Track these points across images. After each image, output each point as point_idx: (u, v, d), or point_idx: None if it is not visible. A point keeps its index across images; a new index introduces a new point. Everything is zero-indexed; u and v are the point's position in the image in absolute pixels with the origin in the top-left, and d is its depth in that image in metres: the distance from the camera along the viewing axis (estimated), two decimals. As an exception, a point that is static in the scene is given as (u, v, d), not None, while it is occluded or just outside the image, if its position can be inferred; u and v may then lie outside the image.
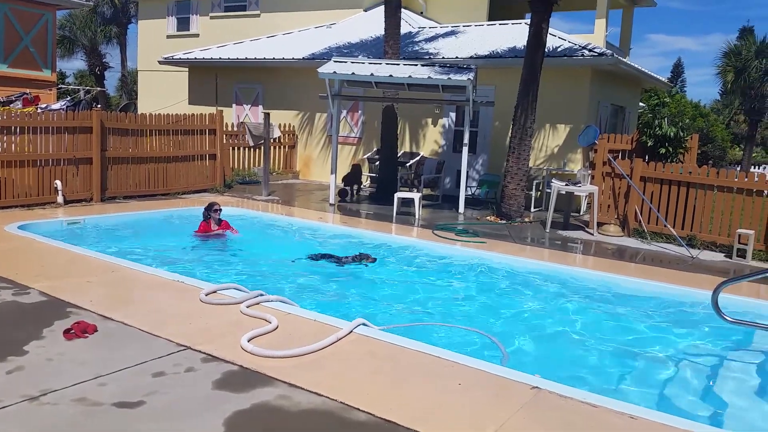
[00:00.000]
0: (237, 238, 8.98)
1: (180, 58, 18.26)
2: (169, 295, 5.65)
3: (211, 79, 17.43)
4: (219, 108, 14.64)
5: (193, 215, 10.30)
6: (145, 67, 22.84)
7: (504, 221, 11.09)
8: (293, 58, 15.99)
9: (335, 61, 12.07)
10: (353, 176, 13.16)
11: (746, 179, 9.20)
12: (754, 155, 40.95)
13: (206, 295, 5.46)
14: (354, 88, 12.94)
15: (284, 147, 16.53)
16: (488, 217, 11.36)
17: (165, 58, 18.57)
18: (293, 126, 16.71)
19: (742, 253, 8.77)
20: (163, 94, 21.02)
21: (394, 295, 6.79)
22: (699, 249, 9.31)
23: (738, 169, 22.19)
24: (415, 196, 11.21)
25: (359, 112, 15.69)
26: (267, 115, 13.01)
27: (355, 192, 13.18)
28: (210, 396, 3.68)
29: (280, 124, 15.91)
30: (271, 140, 14.56)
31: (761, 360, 5.18)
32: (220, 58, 17.30)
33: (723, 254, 9.08)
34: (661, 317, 6.30)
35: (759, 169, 29.21)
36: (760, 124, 38.19)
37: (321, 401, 3.64)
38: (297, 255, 7.99)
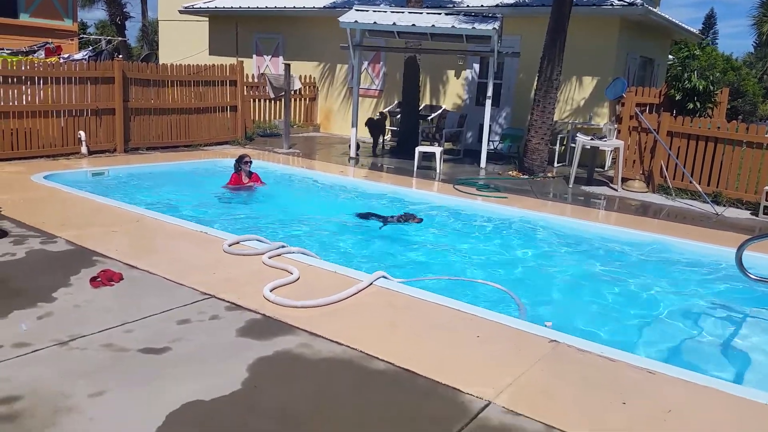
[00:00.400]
0: (264, 190, 9.03)
1: (200, 8, 18.04)
2: (193, 245, 5.74)
3: (232, 29, 17.24)
4: (239, 59, 14.51)
5: (216, 167, 10.39)
6: (166, 17, 22.61)
7: (526, 176, 10.98)
8: (314, 7, 15.71)
9: (357, 10, 11.83)
10: (373, 128, 12.99)
11: (777, 135, 8.95)
12: (786, 110, 39.78)
13: (229, 246, 5.53)
14: (376, 38, 12.71)
15: (305, 99, 16.41)
16: (510, 172, 11.25)
17: (185, 8, 18.36)
18: (314, 78, 16.54)
19: (768, 211, 8.62)
20: (184, 45, 20.84)
21: (415, 248, 6.82)
22: (724, 206, 9.15)
23: (769, 124, 21.57)
24: (437, 150, 11.12)
25: (381, 63, 15.46)
26: (288, 66, 12.88)
27: (375, 145, 13.08)
28: (234, 343, 3.76)
29: (300, 76, 15.73)
30: (292, 92, 14.44)
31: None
32: (240, 7, 17.05)
33: (749, 212, 8.92)
34: (684, 274, 6.25)
35: (791, 124, 28.39)
36: (795, 77, 36.92)
37: (341, 350, 3.70)
38: (336, 212, 7.99)
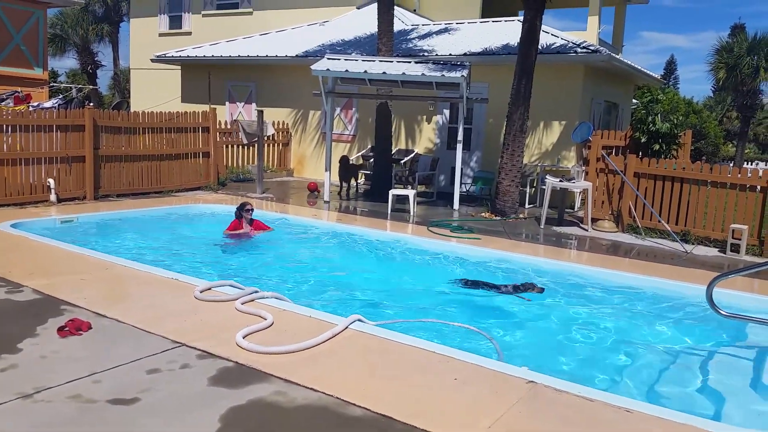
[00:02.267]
0: (265, 236, 8.96)
1: (172, 56, 18.17)
2: (164, 292, 5.63)
3: (204, 77, 17.39)
4: (212, 106, 14.59)
5: (189, 213, 10.32)
6: (138, 66, 22.73)
7: (498, 217, 11.10)
8: (286, 56, 15.94)
9: (328, 59, 12.05)
10: (344, 170, 13.05)
11: (739, 175, 9.24)
12: (746, 151, 41.14)
13: (201, 292, 5.44)
14: (348, 85, 12.91)
15: (278, 145, 16.49)
16: (483, 214, 11.37)
17: (157, 56, 18.48)
18: (287, 124, 16.67)
19: (735, 248, 8.80)
20: (155, 93, 20.93)
21: (389, 291, 6.78)
22: (693, 244, 9.35)
23: (731, 165, 22.29)
24: (410, 192, 11.21)
25: (353, 109, 15.67)
26: (260, 113, 12.98)
27: (348, 188, 13.11)
28: (205, 392, 3.66)
29: (273, 122, 15.86)
30: (265, 138, 14.52)
31: (755, 353, 5.20)
32: (212, 56, 17.23)
33: (717, 249, 9.12)
34: (656, 312, 6.32)
35: (752, 164, 29.36)
36: (752, 120, 38.37)
37: (317, 397, 3.63)
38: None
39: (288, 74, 16.29)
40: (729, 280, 5.96)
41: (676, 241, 9.32)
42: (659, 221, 9.79)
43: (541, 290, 6.51)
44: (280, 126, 16.45)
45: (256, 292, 5.44)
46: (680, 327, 5.94)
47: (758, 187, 9.01)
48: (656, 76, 17.19)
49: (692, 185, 9.57)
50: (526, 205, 12.48)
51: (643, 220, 10.02)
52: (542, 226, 10.37)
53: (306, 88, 14.54)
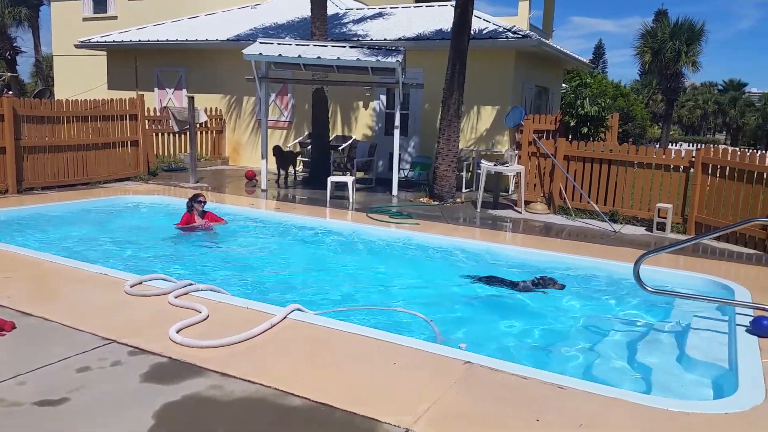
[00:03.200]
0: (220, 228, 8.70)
1: (97, 42, 17.39)
2: (93, 288, 5.42)
3: (131, 63, 16.75)
4: (140, 92, 14.07)
5: (118, 205, 9.96)
6: (61, 52, 21.64)
7: (436, 202, 11.22)
8: (217, 40, 15.53)
9: (261, 43, 11.80)
10: (281, 158, 12.89)
11: (664, 156, 9.65)
12: (671, 133, 43.12)
13: (131, 287, 5.27)
14: (282, 70, 12.71)
15: (211, 132, 16.09)
16: (421, 199, 11.47)
17: (81, 42, 17.64)
18: (220, 110, 16.28)
19: (661, 227, 9.22)
20: (81, 80, 20.01)
21: (330, 278, 6.76)
22: (621, 224, 9.73)
23: (657, 146, 23.29)
24: (349, 179, 11.17)
25: (289, 95, 15.44)
26: (191, 99, 12.61)
27: (287, 176, 12.95)
28: (138, 389, 3.56)
29: (206, 109, 15.45)
30: (197, 125, 14.13)
31: (679, 327, 5.47)
32: (139, 41, 16.59)
33: (644, 228, 9.52)
34: (586, 290, 6.55)
35: (676, 146, 30.76)
36: (676, 103, 40.16)
37: (255, 389, 3.58)
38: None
39: (219, 59, 15.88)
40: (655, 257, 6.22)
41: (605, 221, 9.69)
42: (588, 202, 10.14)
43: (562, 287, 6.22)
44: (213, 113, 16.05)
45: (191, 284, 5.31)
46: (609, 304, 6.18)
47: (681, 168, 9.45)
48: (585, 60, 17.71)
49: (619, 167, 9.94)
50: (463, 190, 12.66)
51: (574, 201, 10.35)
52: (478, 210, 10.56)
53: (239, 73, 14.21)
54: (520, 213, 10.47)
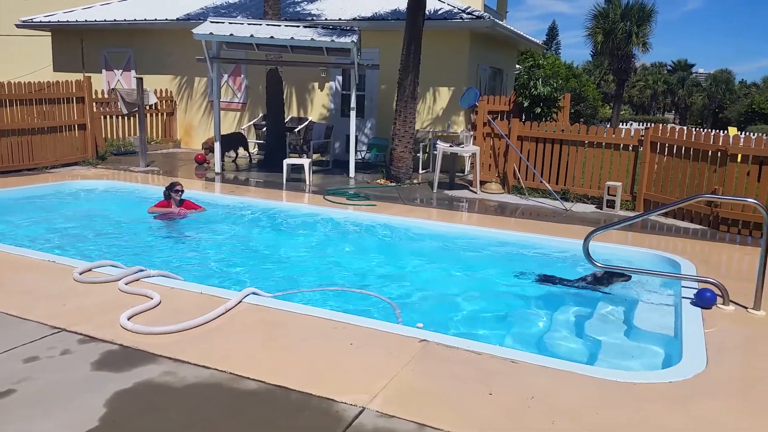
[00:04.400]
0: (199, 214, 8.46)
1: (41, 22, 16.65)
2: (41, 276, 5.25)
3: (77, 44, 16.16)
4: (87, 74, 13.59)
5: (66, 190, 9.66)
6: (2, 32, 20.67)
7: (394, 183, 11.24)
8: (166, 20, 15.09)
9: (212, 22, 11.52)
10: (231, 141, 12.67)
11: (614, 135, 9.87)
12: (622, 113, 44.12)
13: (80, 274, 5.13)
14: (234, 50, 12.45)
15: (162, 114, 15.68)
16: (378, 180, 11.46)
17: (24, 22, 16.87)
18: (171, 92, 15.87)
19: (611, 204, 9.46)
20: (24, 61, 19.20)
21: (287, 261, 6.72)
22: (572, 202, 9.94)
23: (608, 126, 23.78)
24: (305, 161, 11.07)
25: (242, 76, 15.15)
26: (140, 81, 12.24)
27: (236, 158, 12.68)
28: (89, 378, 3.48)
29: (156, 90, 15.05)
30: (147, 107, 13.78)
31: (629, 301, 5.64)
32: (85, 21, 15.97)
33: (594, 205, 9.75)
34: (539, 267, 6.69)
35: (626, 125, 31.48)
36: (627, 83, 41.06)
37: (209, 374, 3.55)
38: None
39: (169, 39, 15.44)
40: (605, 233, 6.38)
41: (557, 200, 9.88)
42: (541, 181, 10.31)
43: (628, 278, 5.88)
44: (164, 94, 15.64)
45: (142, 270, 5.20)
46: (560, 280, 6.32)
47: (630, 146, 9.68)
48: (538, 42, 17.89)
49: (571, 146, 10.13)
50: (420, 171, 12.71)
51: (527, 181, 10.52)
52: (435, 191, 10.63)
53: (189, 53, 13.85)
54: (476, 193, 10.59)
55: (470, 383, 3.57)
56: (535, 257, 7.01)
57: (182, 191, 8.42)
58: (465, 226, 8.15)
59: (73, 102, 11.93)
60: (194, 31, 10.96)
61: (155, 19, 15.18)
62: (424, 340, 4.14)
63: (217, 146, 11.79)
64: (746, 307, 5.13)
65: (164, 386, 3.40)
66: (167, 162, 13.08)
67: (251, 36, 10.85)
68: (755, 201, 5.25)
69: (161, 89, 15.54)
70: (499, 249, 7.28)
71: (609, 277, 5.86)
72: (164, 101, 15.64)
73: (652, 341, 4.78)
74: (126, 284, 4.91)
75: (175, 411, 3.17)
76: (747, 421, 3.31)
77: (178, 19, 14.97)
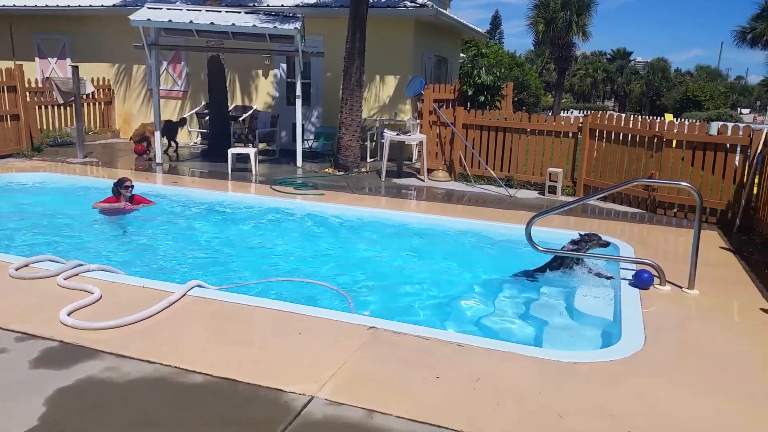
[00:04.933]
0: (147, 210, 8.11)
1: (-37, 5, 15.77)
2: (-30, 273, 5.02)
3: (6, 30, 15.37)
4: (18, 62, 12.98)
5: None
6: None
7: (342, 172, 11.21)
8: (102, 6, 14.54)
9: (149, 8, 11.16)
10: (166, 129, 12.29)
11: (554, 123, 10.11)
12: (563, 101, 45.22)
13: (16, 270, 4.93)
14: (173, 37, 12.10)
15: (99, 104, 15.13)
16: (326, 170, 11.41)
17: (-57, 5, 15.93)
18: (108, 80, 15.32)
19: (552, 190, 9.70)
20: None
21: (234, 253, 6.62)
22: (516, 188, 10.15)
23: (549, 114, 24.31)
24: (251, 151, 10.90)
25: (182, 63, 14.76)
26: (75, 69, 11.78)
27: (168, 147, 12.24)
28: (28, 376, 3.36)
29: (93, 79, 14.51)
30: (84, 96, 13.27)
31: (570, 283, 5.81)
32: (14, 6, 15.19)
33: (537, 192, 9.98)
34: (485, 252, 6.82)
35: (567, 113, 32.27)
36: (567, 72, 42.04)
37: (153, 368, 3.48)
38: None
39: (106, 25, 14.88)
40: (547, 218, 6.54)
41: (502, 187, 10.07)
42: (486, 169, 10.49)
43: (606, 244, 6.02)
44: (101, 83, 15.09)
45: (81, 265, 5.03)
46: (505, 265, 6.46)
47: (570, 134, 9.94)
48: (482, 31, 18.10)
49: (514, 134, 10.33)
50: (368, 159, 12.71)
51: (473, 168, 10.67)
52: (383, 179, 10.66)
53: (127, 40, 13.36)
54: (423, 181, 10.67)
55: (418, 368, 3.62)
56: (480, 243, 7.13)
57: (131, 187, 8.06)
58: (413, 214, 8.21)
59: (4, 91, 11.38)
60: (131, 17, 10.60)
61: (90, 6, 14.60)
62: (373, 327, 4.17)
63: (157, 135, 11.47)
64: (681, 287, 5.37)
65: (107, 382, 3.32)
66: (106, 153, 12.66)
67: (190, 22, 10.58)
68: (689, 185, 5.49)
69: (98, 78, 15.00)
70: (447, 236, 7.37)
71: (589, 239, 5.99)
72: (102, 90, 15.10)
73: (593, 322, 4.95)
74: (65, 279, 4.74)
75: (119, 407, 3.10)
76: (681, 395, 3.47)
77: (114, 5, 14.45)
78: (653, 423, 3.15)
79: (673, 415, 3.23)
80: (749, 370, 3.85)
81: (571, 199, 9.48)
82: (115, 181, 8.13)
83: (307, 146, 13.50)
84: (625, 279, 5.48)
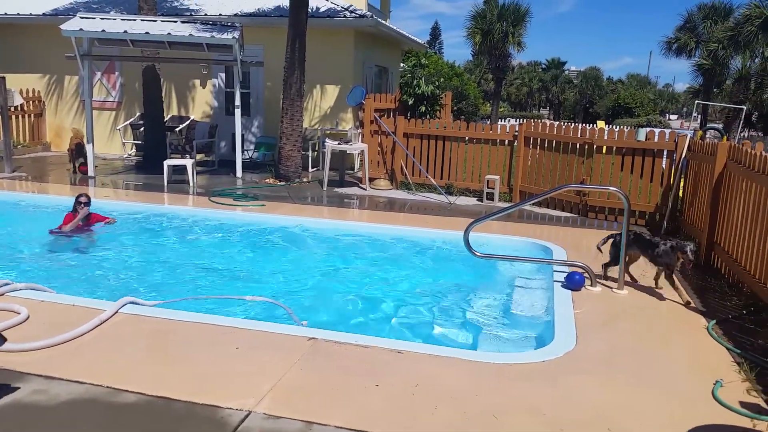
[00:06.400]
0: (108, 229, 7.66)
1: None
2: None
3: (-77, 37, 14.62)
4: (-63, 72, 12.33)
5: None
6: None
7: (283, 183, 11.13)
8: (31, 14, 14.03)
9: (81, 17, 10.84)
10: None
11: (491, 131, 10.35)
12: (501, 110, 46.26)
13: (-66, 292, 4.68)
14: (107, 46, 11.78)
15: (29, 116, 14.55)
16: (267, 180, 11.31)
17: None
18: (38, 91, 14.76)
19: (490, 196, 9.92)
20: None
21: (170, 267, 6.47)
22: (456, 195, 10.33)
23: (487, 122, 24.86)
24: (188, 162, 10.70)
25: (116, 73, 14.38)
26: (3, 80, 11.29)
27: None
28: (-55, 405, 3.19)
29: (21, 90, 13.96)
30: (11, 108, 12.73)
31: (507, 287, 5.96)
32: (-68, 12, 14.48)
33: (476, 198, 10.19)
34: (424, 259, 6.91)
35: (504, 121, 33.04)
36: (504, 81, 43.12)
37: (84, 389, 3.37)
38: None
39: (35, 35, 14.35)
40: (486, 224, 6.68)
41: (442, 194, 10.24)
42: (427, 177, 10.64)
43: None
44: (31, 94, 14.51)
45: (7, 284, 4.82)
46: (445, 271, 6.57)
47: (506, 141, 10.20)
48: (421, 41, 18.37)
49: (453, 142, 10.52)
50: (310, 169, 12.67)
51: (414, 176, 10.80)
52: (325, 189, 10.65)
53: (58, 50, 12.92)
54: (365, 190, 10.72)
55: (358, 377, 3.64)
56: (421, 251, 7.22)
57: (87, 203, 7.47)
58: (355, 223, 8.24)
59: None
60: (63, 27, 10.27)
61: (18, 14, 14.06)
62: (313, 338, 4.16)
63: (89, 148, 11.11)
64: (611, 288, 5.59)
65: (34, 406, 3.19)
66: (36, 167, 12.17)
67: (125, 32, 10.33)
68: (617, 189, 5.73)
69: (28, 89, 14.42)
70: (388, 244, 7.43)
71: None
72: (31, 102, 14.52)
73: (528, 323, 5.09)
74: (-12, 300, 4.54)
75: (46, 431, 2.98)
76: (611, 392, 3.62)
77: (44, 14, 13.97)
78: (582, 419, 3.27)
79: (601, 411, 3.36)
80: (673, 365, 4.04)
81: (507, 204, 9.72)
82: (75, 197, 7.58)
83: (247, 157, 13.36)
84: (557, 281, 5.66)
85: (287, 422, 3.11)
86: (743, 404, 3.48)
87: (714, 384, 3.69)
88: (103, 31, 10.34)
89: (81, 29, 10.32)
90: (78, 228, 7.46)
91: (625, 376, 3.83)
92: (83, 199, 7.49)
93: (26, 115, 14.45)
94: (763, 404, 3.51)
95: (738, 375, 3.88)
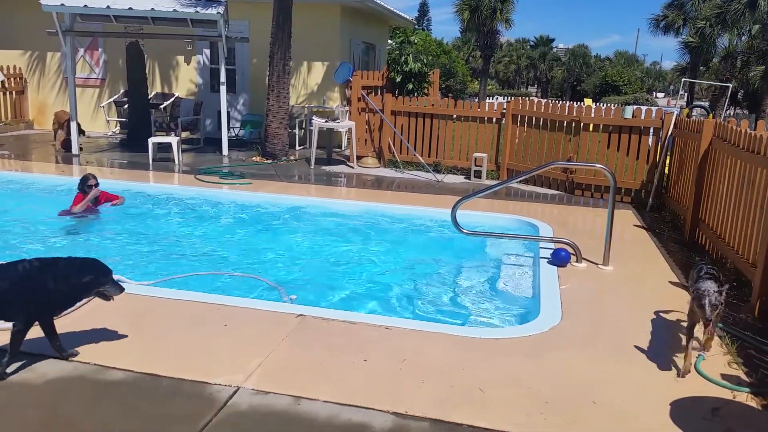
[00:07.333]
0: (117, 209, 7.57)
1: None
2: None
3: None
4: None
5: None
6: None
7: (270, 161, 11.07)
8: (9, -12, 13.70)
9: (62, -8, 10.60)
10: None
11: (479, 109, 10.33)
12: (489, 87, 46.14)
13: None
14: (90, 22, 11.56)
15: (11, 93, 14.30)
16: (254, 158, 11.24)
17: None
18: (20, 68, 14.49)
19: (478, 174, 9.94)
20: None
21: (157, 245, 6.44)
22: (444, 173, 10.33)
23: (475, 100, 24.77)
24: (173, 140, 10.59)
25: (99, 50, 14.13)
26: (-18, 56, 11.08)
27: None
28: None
29: (3, 67, 13.70)
30: (-8, 85, 12.52)
31: (494, 263, 6.00)
32: None
33: (463, 176, 10.20)
34: (412, 236, 6.92)
35: (492, 99, 32.97)
36: (492, 59, 42.95)
37: (72, 367, 3.37)
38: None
39: (16, 10, 14.02)
40: (473, 202, 6.70)
41: (430, 172, 10.23)
42: (414, 155, 10.62)
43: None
44: (12, 71, 14.25)
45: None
46: (433, 248, 6.60)
47: (494, 119, 10.18)
48: (409, 18, 18.20)
49: (441, 120, 10.49)
50: (297, 147, 12.61)
51: (401, 154, 10.78)
52: (312, 167, 10.60)
53: (39, 26, 12.68)
54: (353, 168, 10.69)
55: (346, 352, 3.67)
56: (409, 228, 7.23)
57: (94, 185, 7.38)
58: (343, 201, 8.23)
59: None
60: (43, 2, 10.07)
61: (-5, -13, 13.74)
62: (302, 314, 4.18)
63: (73, 126, 10.96)
64: (597, 264, 5.65)
65: (22, 384, 3.19)
66: (19, 145, 12.00)
67: (108, 7, 10.14)
68: (603, 167, 5.75)
69: (9, 65, 14.16)
70: (376, 222, 7.43)
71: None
72: (13, 79, 14.27)
73: (514, 299, 5.14)
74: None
75: (35, 409, 2.98)
76: (595, 366, 3.67)
77: (22, -13, 13.62)
78: (567, 393, 3.32)
79: (585, 384, 3.41)
80: (656, 340, 4.11)
81: (494, 182, 9.73)
82: (81, 179, 7.48)
83: (233, 134, 13.25)
84: (544, 257, 5.70)
85: (275, 397, 3.13)
86: (724, 376, 3.56)
87: (696, 357, 3.76)
88: (86, 6, 10.14)
89: (62, 4, 10.12)
90: (87, 209, 7.39)
91: (609, 351, 3.89)
92: (92, 182, 7.40)
93: (8, 93, 14.21)
94: (743, 376, 3.58)
95: (720, 348, 3.95)
